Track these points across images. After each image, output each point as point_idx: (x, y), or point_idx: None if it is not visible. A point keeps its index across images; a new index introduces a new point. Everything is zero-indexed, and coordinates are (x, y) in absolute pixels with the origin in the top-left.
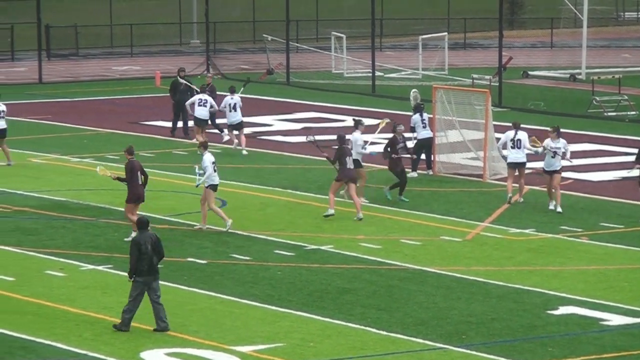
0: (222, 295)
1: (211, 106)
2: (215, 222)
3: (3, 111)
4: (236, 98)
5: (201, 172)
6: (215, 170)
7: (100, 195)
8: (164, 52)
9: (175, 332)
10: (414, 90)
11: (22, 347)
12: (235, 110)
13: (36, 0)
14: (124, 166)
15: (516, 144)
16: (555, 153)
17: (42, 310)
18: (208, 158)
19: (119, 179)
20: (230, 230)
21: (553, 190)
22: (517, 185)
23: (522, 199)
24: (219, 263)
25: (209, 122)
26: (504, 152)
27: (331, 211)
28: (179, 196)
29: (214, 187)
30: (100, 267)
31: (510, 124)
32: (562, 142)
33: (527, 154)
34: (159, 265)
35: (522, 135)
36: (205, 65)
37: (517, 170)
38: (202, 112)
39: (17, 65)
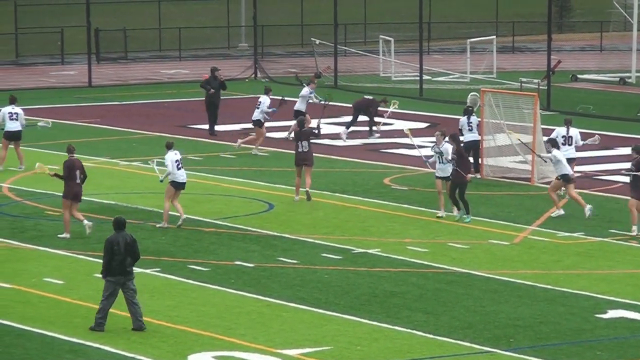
0: (269, 299)
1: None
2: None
3: (16, 113)
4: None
5: (160, 167)
6: (178, 169)
7: (148, 199)
8: (212, 56)
9: (222, 335)
10: (472, 93)
11: (70, 351)
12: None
13: (86, 3)
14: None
15: (567, 140)
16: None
17: (90, 313)
18: (169, 157)
19: (56, 175)
20: (277, 234)
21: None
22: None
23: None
24: (266, 266)
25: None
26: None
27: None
28: (227, 199)
29: (175, 185)
30: (148, 271)
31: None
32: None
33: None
34: (135, 266)
35: (574, 132)
36: (253, 68)
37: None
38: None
39: (67, 69)
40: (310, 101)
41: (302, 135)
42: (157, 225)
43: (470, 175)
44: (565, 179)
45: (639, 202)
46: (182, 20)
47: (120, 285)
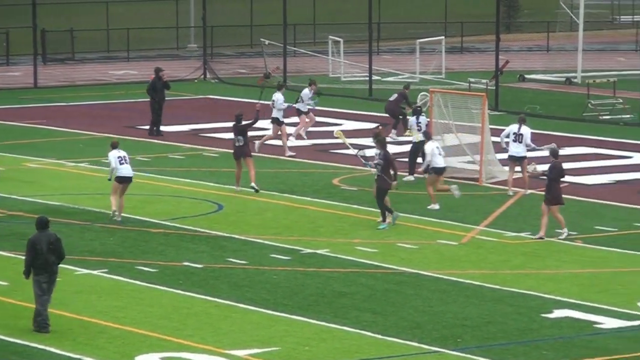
0: (217, 299)
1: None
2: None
3: None
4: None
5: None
6: (122, 164)
7: (96, 200)
8: (161, 57)
9: (170, 336)
10: (422, 93)
11: (15, 352)
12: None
13: (32, 4)
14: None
15: (518, 138)
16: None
17: None
18: (112, 154)
19: None
20: (226, 234)
21: None
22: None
23: (528, 191)
24: (215, 267)
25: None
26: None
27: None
28: (176, 200)
29: (119, 179)
30: (95, 272)
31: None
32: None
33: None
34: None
35: (525, 131)
36: (203, 69)
37: (517, 164)
38: None
39: (12, 70)
40: (309, 106)
41: (239, 130)
42: (114, 217)
43: (394, 183)
44: (435, 171)
45: (550, 206)
46: (131, 20)
47: (46, 284)
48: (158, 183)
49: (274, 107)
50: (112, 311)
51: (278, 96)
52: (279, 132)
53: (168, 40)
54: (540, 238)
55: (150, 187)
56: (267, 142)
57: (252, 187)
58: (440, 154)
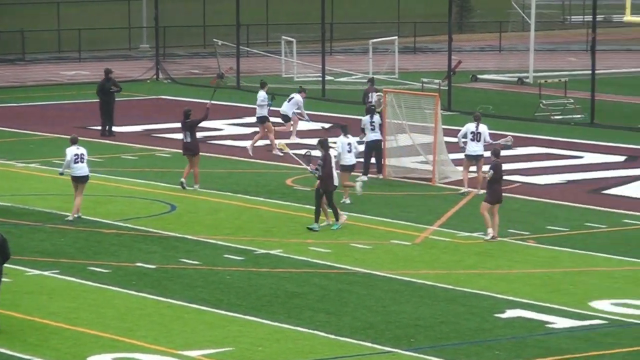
0: (171, 300)
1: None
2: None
3: None
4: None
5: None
6: (76, 163)
7: (47, 201)
8: (113, 57)
9: (123, 337)
10: (378, 93)
11: None
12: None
13: None
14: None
15: (476, 136)
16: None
17: None
18: (70, 150)
19: None
20: (179, 235)
21: None
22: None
23: (481, 191)
24: (168, 268)
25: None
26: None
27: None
28: (128, 201)
29: (73, 179)
30: (46, 273)
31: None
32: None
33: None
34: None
35: (483, 129)
36: (155, 69)
37: (474, 163)
38: None
39: None
40: (298, 111)
41: (187, 127)
42: (71, 218)
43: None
44: (342, 168)
45: (492, 206)
46: (82, 21)
47: None
48: (110, 184)
49: (258, 106)
50: (64, 312)
51: (261, 94)
52: (266, 130)
53: (120, 40)
54: (493, 238)
55: (102, 188)
56: (257, 143)
57: (181, 183)
58: (350, 151)
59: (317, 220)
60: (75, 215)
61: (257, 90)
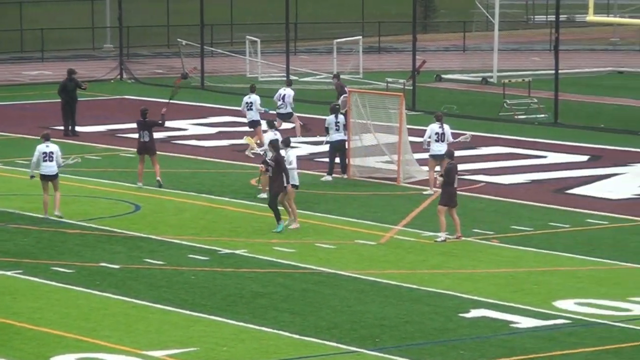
0: (135, 300)
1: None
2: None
3: None
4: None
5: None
6: (44, 161)
7: (10, 200)
8: (77, 57)
9: (87, 337)
10: (344, 95)
11: None
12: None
13: None
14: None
15: (440, 137)
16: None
17: None
18: (39, 147)
19: None
20: (143, 235)
21: None
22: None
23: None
24: (132, 268)
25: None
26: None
27: None
28: (92, 201)
29: (41, 177)
30: (9, 273)
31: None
32: (289, 153)
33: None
34: None
35: (446, 129)
36: (119, 69)
37: (439, 163)
38: None
39: None
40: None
41: (144, 126)
42: (52, 215)
43: (289, 186)
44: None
45: (448, 208)
46: (45, 21)
47: None
48: (74, 184)
49: (250, 109)
50: (27, 312)
51: (254, 98)
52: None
53: (84, 40)
54: (458, 237)
55: (66, 188)
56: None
57: (158, 181)
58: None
59: (278, 221)
60: (57, 213)
61: (221, 90)
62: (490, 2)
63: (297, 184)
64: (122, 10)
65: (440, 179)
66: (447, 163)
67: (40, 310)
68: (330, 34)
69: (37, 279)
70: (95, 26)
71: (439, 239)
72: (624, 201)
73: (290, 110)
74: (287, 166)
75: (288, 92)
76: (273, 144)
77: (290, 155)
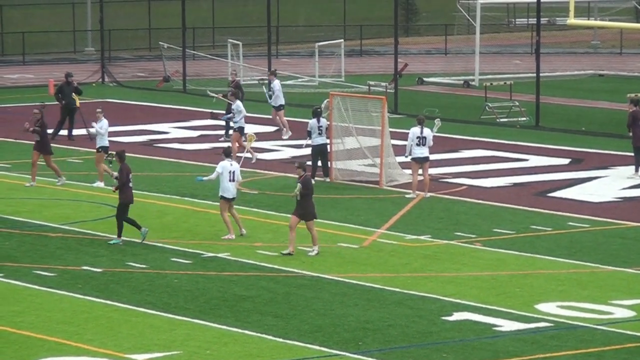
0: (118, 304)
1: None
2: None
3: None
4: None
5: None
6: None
7: None
8: (58, 60)
9: (69, 341)
10: (326, 100)
11: None
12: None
13: None
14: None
15: (422, 141)
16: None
17: None
18: (223, 165)
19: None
20: (126, 238)
21: None
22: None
23: (428, 194)
24: (114, 271)
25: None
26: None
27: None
28: (75, 204)
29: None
30: None
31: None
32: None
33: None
34: None
35: (427, 132)
36: (100, 72)
37: (421, 166)
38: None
39: None
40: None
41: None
42: None
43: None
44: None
45: (305, 221)
46: (26, 24)
47: None
48: (56, 187)
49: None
50: (9, 316)
51: (239, 104)
52: (234, 139)
53: (65, 43)
54: (289, 254)
55: (48, 191)
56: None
57: (31, 185)
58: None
59: (119, 234)
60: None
61: (202, 93)
62: (472, 5)
63: (229, 196)
64: (104, 13)
65: (295, 191)
66: (303, 175)
67: (22, 313)
68: (313, 37)
69: (19, 283)
70: (76, 29)
71: (285, 251)
72: (606, 204)
73: (282, 102)
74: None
75: (277, 86)
76: (119, 154)
77: (218, 166)
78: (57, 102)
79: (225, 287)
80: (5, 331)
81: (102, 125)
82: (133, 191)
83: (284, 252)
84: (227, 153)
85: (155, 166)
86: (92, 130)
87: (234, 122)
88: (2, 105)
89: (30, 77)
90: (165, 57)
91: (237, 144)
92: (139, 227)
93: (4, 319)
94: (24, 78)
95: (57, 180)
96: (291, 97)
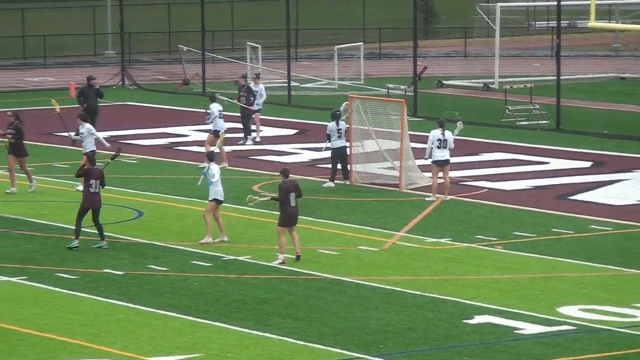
0: (139, 307)
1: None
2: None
3: None
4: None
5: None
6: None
7: (14, 207)
8: (79, 63)
9: (91, 343)
10: (345, 102)
11: None
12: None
13: None
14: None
15: (442, 144)
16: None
17: None
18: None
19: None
20: (146, 241)
21: None
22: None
23: (449, 197)
24: (136, 274)
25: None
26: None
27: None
28: None
29: None
30: (14, 279)
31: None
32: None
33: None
34: None
35: (448, 135)
36: (121, 75)
37: (441, 169)
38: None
39: None
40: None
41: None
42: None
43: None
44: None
45: (288, 228)
46: (47, 27)
47: None
48: (76, 191)
49: (220, 117)
50: (32, 318)
51: (215, 106)
52: (208, 142)
53: (85, 46)
54: (282, 263)
55: (69, 195)
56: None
57: (11, 191)
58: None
59: (77, 236)
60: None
61: (223, 96)
62: (491, 8)
63: (222, 199)
64: (124, 16)
65: (268, 199)
66: (283, 180)
67: (44, 316)
68: (332, 40)
69: (42, 285)
70: (96, 32)
71: (276, 262)
72: (628, 207)
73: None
74: (211, 179)
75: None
76: (90, 157)
77: (213, 169)
78: (78, 105)
79: (245, 290)
80: (28, 334)
81: (88, 130)
82: (100, 196)
83: (276, 262)
84: (210, 157)
85: (174, 169)
86: (74, 135)
87: (212, 124)
88: (24, 108)
89: (52, 79)
90: (184, 60)
91: (209, 146)
92: (77, 236)
93: (27, 322)
94: (45, 81)
95: (29, 187)
96: (310, 100)
